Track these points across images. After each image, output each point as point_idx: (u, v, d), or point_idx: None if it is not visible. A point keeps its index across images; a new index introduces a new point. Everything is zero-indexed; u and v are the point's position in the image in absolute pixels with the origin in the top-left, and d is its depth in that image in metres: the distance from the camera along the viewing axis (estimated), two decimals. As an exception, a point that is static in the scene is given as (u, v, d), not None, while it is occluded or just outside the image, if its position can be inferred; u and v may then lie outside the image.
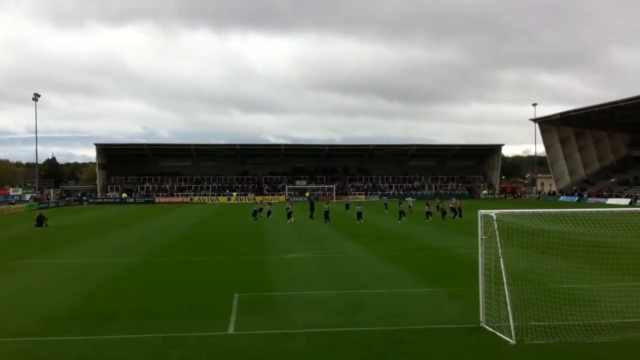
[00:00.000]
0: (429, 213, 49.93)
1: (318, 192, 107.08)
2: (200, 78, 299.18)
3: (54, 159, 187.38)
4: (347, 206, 64.28)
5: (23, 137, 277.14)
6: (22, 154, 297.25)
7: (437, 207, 53.83)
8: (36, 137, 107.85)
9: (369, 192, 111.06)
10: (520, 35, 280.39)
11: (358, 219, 48.14)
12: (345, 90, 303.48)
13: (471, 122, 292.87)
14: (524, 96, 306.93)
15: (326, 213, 49.60)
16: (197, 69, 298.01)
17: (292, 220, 49.06)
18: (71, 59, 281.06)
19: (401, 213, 49.82)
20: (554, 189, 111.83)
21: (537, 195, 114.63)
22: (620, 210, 16.86)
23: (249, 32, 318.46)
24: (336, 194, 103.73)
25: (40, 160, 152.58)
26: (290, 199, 75.62)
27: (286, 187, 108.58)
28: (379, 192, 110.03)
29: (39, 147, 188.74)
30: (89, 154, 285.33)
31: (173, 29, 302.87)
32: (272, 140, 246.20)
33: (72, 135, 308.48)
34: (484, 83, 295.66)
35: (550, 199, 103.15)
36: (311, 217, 53.42)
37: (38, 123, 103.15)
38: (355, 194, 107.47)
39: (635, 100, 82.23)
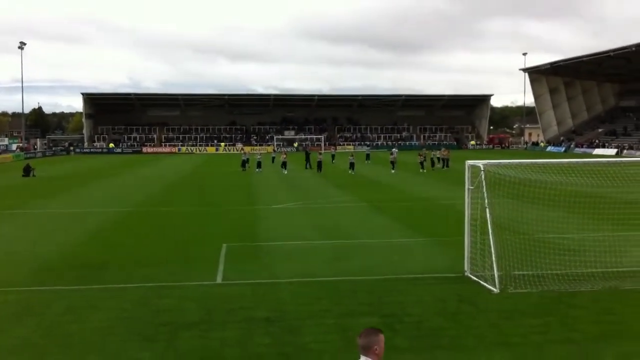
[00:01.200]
0: (422, 163, 50.17)
1: (307, 143, 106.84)
2: (186, 26, 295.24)
3: (40, 108, 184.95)
4: (333, 157, 64.35)
5: (6, 86, 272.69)
6: (6, 103, 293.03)
7: (425, 157, 54.01)
8: (22, 86, 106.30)
9: (357, 143, 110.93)
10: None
11: (350, 169, 48.24)
12: (333, 40, 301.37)
13: (459, 72, 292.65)
14: (512, 46, 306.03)
15: (319, 163, 49.56)
16: (183, 17, 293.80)
17: (285, 171, 48.85)
18: (53, 5, 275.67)
19: (392, 163, 50.02)
20: (541, 139, 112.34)
21: (525, 146, 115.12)
22: (607, 161, 16.98)
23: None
24: (325, 144, 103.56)
25: (26, 110, 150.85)
26: (283, 149, 75.44)
27: (274, 137, 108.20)
28: (368, 143, 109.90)
29: (24, 97, 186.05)
30: (75, 104, 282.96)
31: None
32: (261, 90, 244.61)
33: (57, 84, 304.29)
34: (471, 32, 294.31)
35: (537, 149, 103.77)
36: (307, 167, 53.25)
37: (22, 72, 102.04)
38: (343, 145, 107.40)
39: (625, 50, 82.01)
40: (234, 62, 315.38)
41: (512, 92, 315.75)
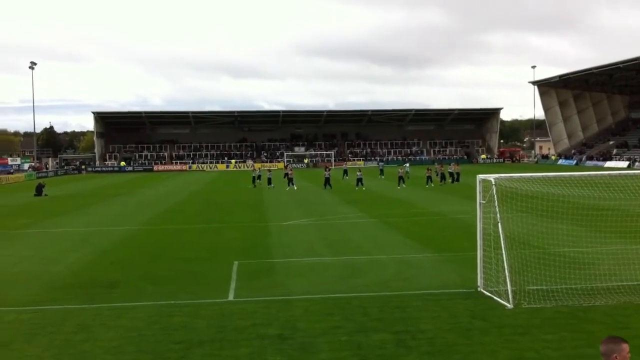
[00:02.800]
0: (429, 178, 49.93)
1: (317, 159, 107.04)
2: (190, 45, 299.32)
3: (51, 127, 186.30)
4: (345, 172, 63.90)
5: (16, 106, 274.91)
6: (17, 123, 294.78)
7: (436, 172, 53.83)
8: (33, 105, 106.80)
9: (367, 158, 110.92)
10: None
11: (357, 185, 48.01)
12: (335, 56, 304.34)
13: (464, 86, 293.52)
14: (516, 59, 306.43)
15: (326, 180, 49.24)
16: (186, 36, 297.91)
17: (294, 187, 48.82)
18: (58, 25, 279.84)
19: (400, 179, 49.61)
20: (552, 152, 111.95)
21: (536, 159, 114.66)
22: (619, 173, 16.86)
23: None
24: (335, 160, 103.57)
25: (38, 130, 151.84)
26: (290, 166, 75.56)
27: (285, 153, 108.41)
28: (378, 158, 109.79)
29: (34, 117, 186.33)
30: (84, 123, 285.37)
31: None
32: (267, 106, 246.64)
33: (65, 103, 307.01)
34: (473, 46, 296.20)
35: (548, 162, 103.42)
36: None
37: (29, 92, 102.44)
38: (353, 160, 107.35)
39: (635, 62, 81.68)
40: (238, 79, 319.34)
41: (519, 105, 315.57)
